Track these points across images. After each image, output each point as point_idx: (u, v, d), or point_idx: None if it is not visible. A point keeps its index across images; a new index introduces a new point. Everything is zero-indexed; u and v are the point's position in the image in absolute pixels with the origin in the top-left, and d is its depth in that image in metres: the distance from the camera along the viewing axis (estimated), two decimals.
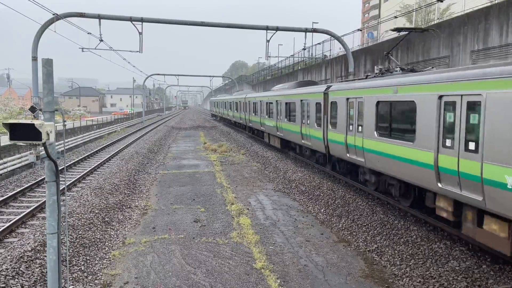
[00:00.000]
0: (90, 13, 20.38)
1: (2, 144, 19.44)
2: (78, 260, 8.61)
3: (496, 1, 14.87)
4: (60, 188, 5.42)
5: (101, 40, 22.17)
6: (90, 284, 7.78)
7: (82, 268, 8.33)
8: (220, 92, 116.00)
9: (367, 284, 7.85)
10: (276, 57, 42.22)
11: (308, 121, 17.48)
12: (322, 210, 12.88)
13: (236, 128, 44.78)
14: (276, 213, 12.71)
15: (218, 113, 60.01)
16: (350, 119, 13.36)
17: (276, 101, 22.87)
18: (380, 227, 10.58)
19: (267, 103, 25.27)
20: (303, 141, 18.51)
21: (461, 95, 8.11)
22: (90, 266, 8.53)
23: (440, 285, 7.44)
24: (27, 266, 7.87)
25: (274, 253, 9.35)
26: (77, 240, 9.44)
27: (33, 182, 15.92)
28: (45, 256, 8.16)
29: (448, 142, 8.50)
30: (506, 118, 6.95)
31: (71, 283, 7.65)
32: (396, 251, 9.13)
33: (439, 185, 8.75)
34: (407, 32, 14.12)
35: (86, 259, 8.77)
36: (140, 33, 21.77)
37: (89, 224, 10.67)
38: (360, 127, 12.59)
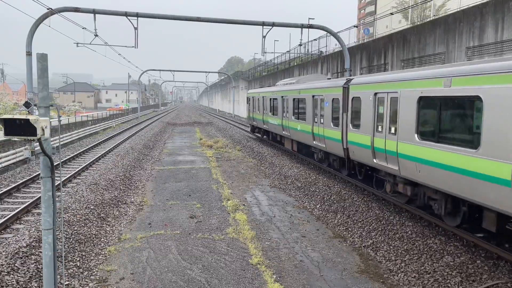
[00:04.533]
0: (85, 8, 20.23)
1: None
2: (73, 256, 8.59)
3: None
4: (55, 184, 5.39)
5: (96, 35, 22.03)
6: (86, 280, 7.76)
7: (78, 264, 8.31)
8: (216, 88, 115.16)
9: (363, 279, 7.89)
10: (272, 53, 42.07)
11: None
12: (317, 206, 12.92)
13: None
14: (272, 209, 12.74)
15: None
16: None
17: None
18: (376, 222, 10.64)
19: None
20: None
21: None
22: (86, 262, 8.52)
23: (434, 280, 7.50)
24: (22, 262, 7.84)
25: (270, 249, 9.37)
26: (73, 236, 9.42)
27: (28, 178, 15.83)
28: (41, 252, 8.14)
29: None
30: None
31: (67, 279, 7.63)
32: (391, 247, 9.18)
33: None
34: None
35: (81, 255, 8.75)
36: (136, 28, 21.65)
37: (84, 220, 10.64)
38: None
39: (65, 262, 8.18)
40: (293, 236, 10.30)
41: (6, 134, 4.73)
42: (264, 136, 28.38)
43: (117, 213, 12.07)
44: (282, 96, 21.25)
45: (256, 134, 31.39)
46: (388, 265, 8.49)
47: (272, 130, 24.15)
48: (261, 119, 26.35)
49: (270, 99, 23.86)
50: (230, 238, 10.03)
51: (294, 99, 19.25)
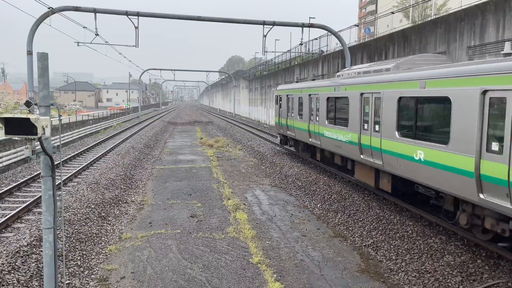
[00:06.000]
0: (85, 7, 20.25)
1: None
2: (74, 255, 8.60)
3: None
4: (56, 183, 5.39)
5: (97, 34, 22.04)
6: (87, 279, 7.77)
7: (79, 263, 8.32)
8: (216, 87, 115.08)
9: (363, 279, 7.89)
10: (273, 52, 42.13)
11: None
12: (318, 205, 12.92)
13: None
14: (272, 208, 12.74)
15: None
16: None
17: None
18: (376, 222, 10.63)
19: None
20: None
21: None
22: (87, 261, 8.53)
23: (435, 280, 7.49)
24: (23, 261, 7.85)
25: (271, 248, 9.37)
26: (73, 235, 9.42)
27: (29, 177, 15.84)
28: (41, 251, 8.15)
29: None
30: None
31: (68, 278, 7.64)
32: (392, 246, 9.18)
33: None
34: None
35: (82, 254, 8.75)
36: (136, 28, 21.66)
37: (85, 219, 10.65)
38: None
39: (66, 261, 8.19)
40: (293, 235, 10.30)
41: (6, 133, 4.73)
42: (304, 153, 19.49)
43: (117, 212, 12.08)
44: (361, 93, 12.32)
45: (290, 148, 22.13)
46: (389, 264, 8.48)
47: (330, 149, 15.18)
48: (306, 129, 17.57)
49: (328, 98, 15.07)
50: (231, 237, 10.04)
51: (401, 98, 10.26)
